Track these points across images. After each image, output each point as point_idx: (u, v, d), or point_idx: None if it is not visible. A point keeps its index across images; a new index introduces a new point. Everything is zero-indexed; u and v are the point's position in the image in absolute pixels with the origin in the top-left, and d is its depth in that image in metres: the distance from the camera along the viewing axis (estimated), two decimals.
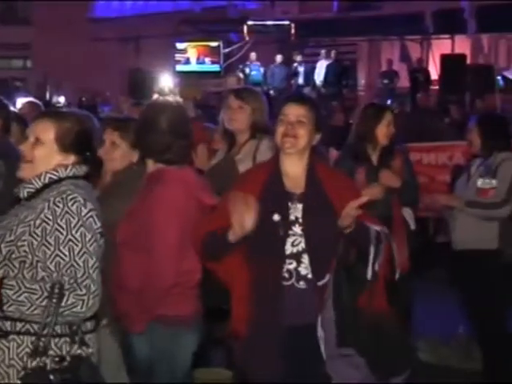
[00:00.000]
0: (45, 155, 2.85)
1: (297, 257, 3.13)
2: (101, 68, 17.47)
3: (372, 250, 3.06)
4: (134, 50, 18.42)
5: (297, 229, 3.15)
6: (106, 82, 16.91)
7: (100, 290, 2.75)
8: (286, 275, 3.13)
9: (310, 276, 3.13)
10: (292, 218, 3.16)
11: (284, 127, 3.19)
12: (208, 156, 4.96)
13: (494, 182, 4.62)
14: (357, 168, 4.60)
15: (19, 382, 2.71)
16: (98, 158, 3.09)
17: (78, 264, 2.71)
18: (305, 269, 3.13)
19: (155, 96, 13.84)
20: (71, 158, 2.87)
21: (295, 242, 3.14)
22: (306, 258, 3.13)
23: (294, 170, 3.25)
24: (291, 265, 3.13)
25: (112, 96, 15.96)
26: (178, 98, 14.82)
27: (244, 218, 2.96)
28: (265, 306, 3.12)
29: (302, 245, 3.14)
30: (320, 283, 3.12)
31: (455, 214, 4.76)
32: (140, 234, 3.22)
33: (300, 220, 3.15)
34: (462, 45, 15.58)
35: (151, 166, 3.39)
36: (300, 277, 3.13)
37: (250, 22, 16.85)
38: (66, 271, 2.71)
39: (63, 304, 2.67)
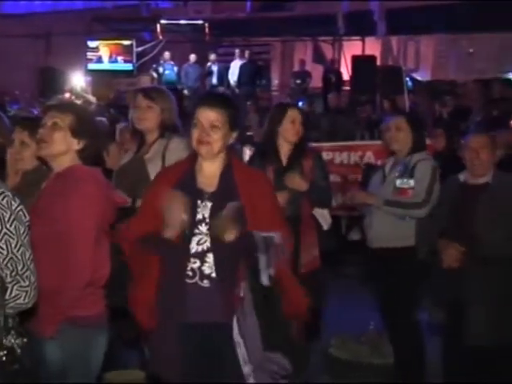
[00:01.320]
0: None
1: (201, 256, 3.14)
2: (9, 66, 16.99)
3: (262, 255, 3.04)
4: (44, 47, 18.00)
5: (203, 228, 3.16)
6: (15, 81, 16.47)
7: (37, 280, 2.78)
8: (190, 273, 3.14)
9: (213, 275, 3.13)
10: (199, 216, 3.17)
11: (198, 133, 3.18)
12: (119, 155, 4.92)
13: (411, 182, 4.70)
14: (266, 168, 4.62)
15: None
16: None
17: (16, 257, 2.73)
18: (209, 268, 3.14)
19: (66, 95, 13.63)
20: None
21: (200, 240, 3.15)
22: (210, 258, 3.14)
23: (210, 169, 3.25)
24: (195, 264, 3.14)
25: (21, 95, 15.57)
26: (91, 97, 14.60)
27: (180, 216, 3.02)
28: (168, 304, 3.14)
29: (207, 244, 3.14)
30: (239, 292, 3.12)
31: (371, 212, 4.83)
32: (52, 234, 3.16)
33: (207, 220, 3.16)
34: (372, 46, 15.88)
35: (61, 164, 3.33)
36: (204, 276, 3.14)
37: (163, 21, 16.70)
38: (6, 265, 2.72)
39: (7, 297, 2.69)
